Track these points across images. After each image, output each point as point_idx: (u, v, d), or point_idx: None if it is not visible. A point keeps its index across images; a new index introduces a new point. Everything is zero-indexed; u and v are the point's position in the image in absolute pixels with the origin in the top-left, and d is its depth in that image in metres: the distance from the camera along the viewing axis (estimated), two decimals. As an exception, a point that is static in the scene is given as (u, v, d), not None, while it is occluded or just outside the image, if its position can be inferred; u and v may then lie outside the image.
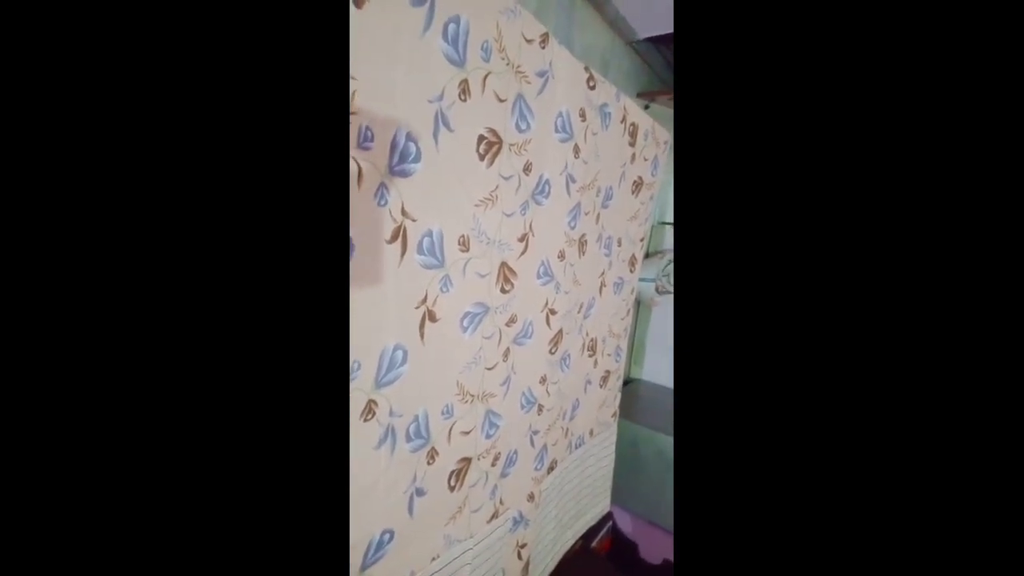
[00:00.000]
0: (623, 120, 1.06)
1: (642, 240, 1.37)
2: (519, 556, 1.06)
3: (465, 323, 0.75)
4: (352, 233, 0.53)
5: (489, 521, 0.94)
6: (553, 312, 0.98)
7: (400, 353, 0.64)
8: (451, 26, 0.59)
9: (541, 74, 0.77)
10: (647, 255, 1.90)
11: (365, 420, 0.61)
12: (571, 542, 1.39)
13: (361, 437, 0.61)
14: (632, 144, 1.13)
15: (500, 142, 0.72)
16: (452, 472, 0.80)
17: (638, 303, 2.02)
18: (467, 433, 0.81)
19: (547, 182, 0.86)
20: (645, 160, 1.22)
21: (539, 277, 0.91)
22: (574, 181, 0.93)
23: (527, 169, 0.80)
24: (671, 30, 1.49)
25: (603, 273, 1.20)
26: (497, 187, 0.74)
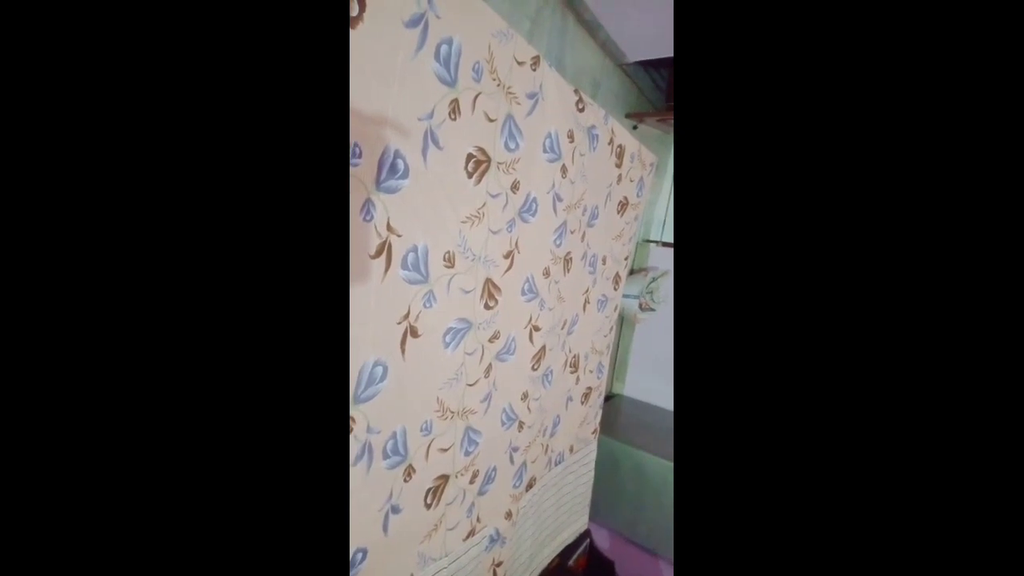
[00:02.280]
0: (610, 142, 1.09)
1: (626, 258, 1.39)
2: (495, 575, 1.05)
3: (448, 339, 0.75)
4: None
5: (465, 539, 0.93)
6: (537, 328, 0.99)
7: (380, 369, 0.63)
8: (443, 47, 0.60)
9: (531, 95, 0.78)
10: (631, 272, 1.92)
11: (341, 436, 0.60)
12: (548, 560, 1.38)
13: (336, 454, 0.60)
14: (619, 165, 1.16)
15: (488, 160, 0.73)
16: (429, 489, 0.79)
17: (621, 320, 2.04)
18: (445, 450, 0.81)
19: (534, 201, 0.87)
20: (631, 181, 1.25)
21: (523, 294, 0.92)
22: (561, 200, 0.94)
23: (515, 187, 0.81)
24: (659, 54, 1.54)
25: (587, 290, 1.21)
26: (484, 204, 0.75)
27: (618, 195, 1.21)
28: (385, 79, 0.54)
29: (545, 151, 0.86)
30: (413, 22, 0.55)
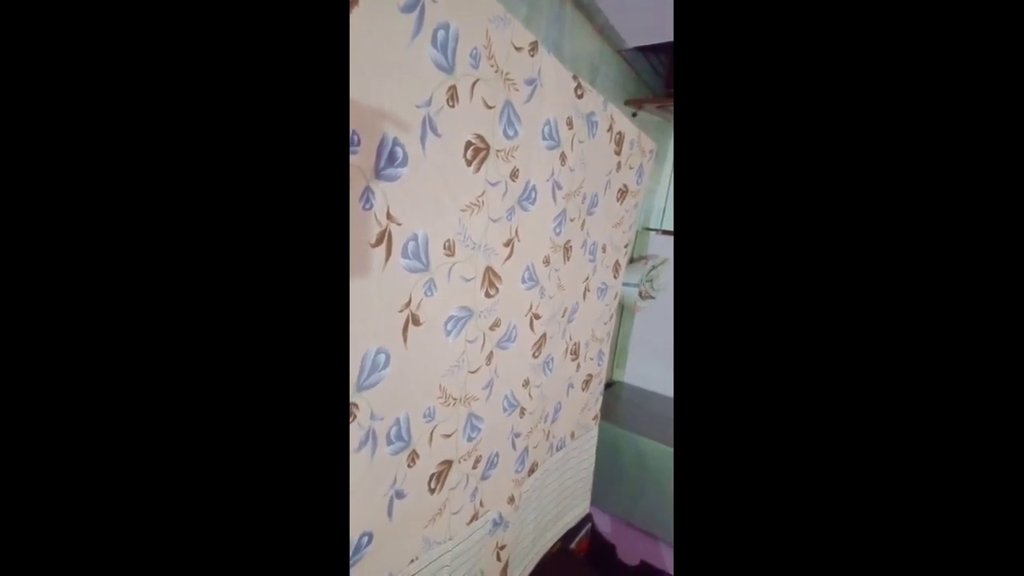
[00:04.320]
0: (610, 129, 1.08)
1: (626, 246, 1.39)
2: (498, 558, 1.07)
3: (449, 327, 0.75)
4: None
5: (469, 523, 0.94)
6: (537, 316, 0.99)
7: (383, 356, 0.64)
8: (440, 32, 0.59)
9: (529, 82, 0.78)
10: (631, 260, 1.93)
11: (346, 423, 0.61)
12: (550, 544, 1.40)
13: (341, 440, 0.61)
14: (618, 153, 1.15)
15: (487, 148, 0.73)
16: (433, 475, 0.80)
17: (621, 307, 2.05)
18: (449, 436, 0.82)
19: (533, 188, 0.87)
20: (631, 168, 1.24)
21: (524, 282, 0.92)
22: (560, 188, 0.94)
23: (514, 175, 0.81)
24: (659, 39, 1.52)
25: (587, 278, 1.21)
26: (484, 192, 0.75)
27: (617, 183, 1.21)
28: (382, 66, 0.54)
29: (544, 138, 0.86)
30: (409, 7, 0.55)
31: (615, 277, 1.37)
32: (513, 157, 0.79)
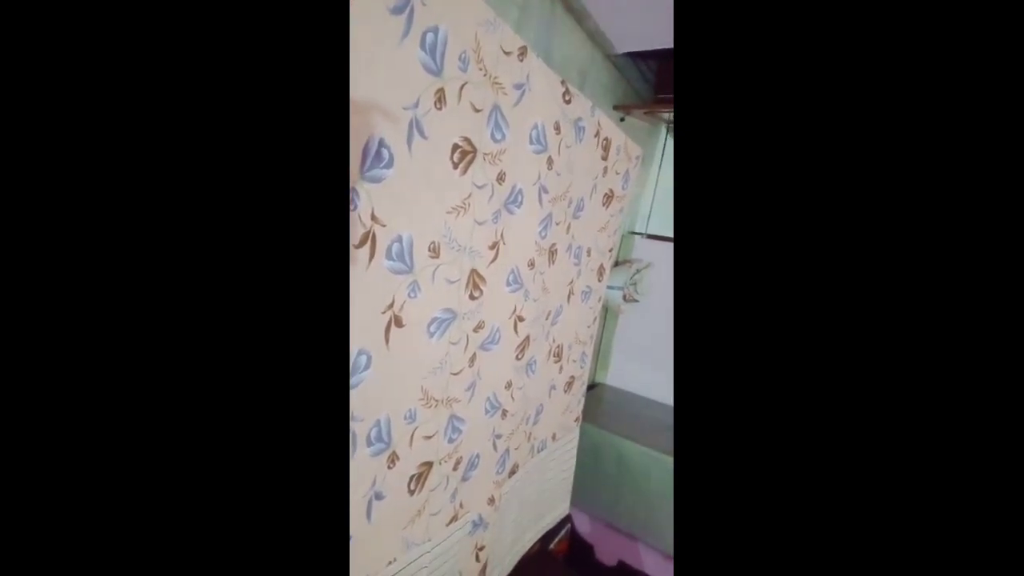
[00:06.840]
0: (597, 134, 1.09)
1: (611, 250, 1.41)
2: (477, 558, 1.07)
3: (432, 329, 0.75)
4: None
5: (448, 524, 0.94)
6: (521, 319, 1.00)
7: (364, 358, 0.64)
8: (429, 35, 0.59)
9: (518, 86, 0.78)
10: (616, 264, 1.95)
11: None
12: (530, 544, 1.41)
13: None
14: (604, 158, 1.17)
15: (474, 151, 0.73)
16: (412, 476, 0.80)
17: (605, 310, 2.07)
18: (429, 437, 0.82)
19: (520, 192, 0.87)
20: (617, 174, 1.26)
21: (508, 284, 0.92)
22: (546, 192, 0.95)
23: (500, 179, 0.81)
24: (648, 46, 1.54)
25: (572, 282, 1.22)
26: (470, 195, 0.75)
27: (604, 187, 1.22)
28: (369, 66, 0.53)
29: (531, 142, 0.86)
30: (398, 9, 0.55)
31: (599, 280, 1.38)
32: (500, 160, 0.79)
